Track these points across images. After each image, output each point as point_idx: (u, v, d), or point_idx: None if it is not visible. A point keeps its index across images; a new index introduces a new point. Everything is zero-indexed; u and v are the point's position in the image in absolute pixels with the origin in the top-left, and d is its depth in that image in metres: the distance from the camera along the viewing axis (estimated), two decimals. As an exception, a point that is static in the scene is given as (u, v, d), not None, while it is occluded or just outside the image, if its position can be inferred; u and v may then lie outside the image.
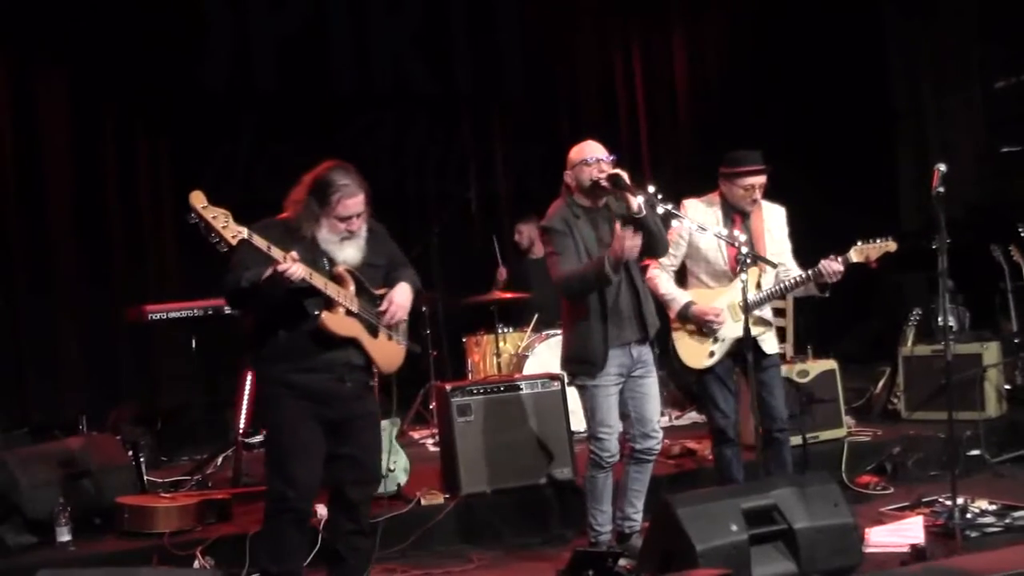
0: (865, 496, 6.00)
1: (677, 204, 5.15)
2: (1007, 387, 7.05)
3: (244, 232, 4.05)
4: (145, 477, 6.07)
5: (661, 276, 5.31)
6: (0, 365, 7.59)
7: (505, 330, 7.67)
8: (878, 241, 5.20)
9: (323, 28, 8.75)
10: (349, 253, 4.43)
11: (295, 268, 4.11)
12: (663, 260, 5.30)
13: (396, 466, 5.85)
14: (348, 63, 8.82)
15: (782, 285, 5.26)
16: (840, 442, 6.41)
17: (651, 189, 4.88)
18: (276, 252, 4.13)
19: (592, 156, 4.91)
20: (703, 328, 5.23)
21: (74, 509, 5.35)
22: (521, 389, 5.97)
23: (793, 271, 5.31)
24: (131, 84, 7.97)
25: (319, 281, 4.27)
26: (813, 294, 5.28)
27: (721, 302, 5.24)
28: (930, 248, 5.29)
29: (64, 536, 5.27)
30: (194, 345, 7.20)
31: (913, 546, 4.77)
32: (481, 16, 9.30)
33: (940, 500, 5.53)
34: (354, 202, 4.38)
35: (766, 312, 5.33)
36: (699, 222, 5.13)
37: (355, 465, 4.51)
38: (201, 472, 6.31)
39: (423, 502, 5.65)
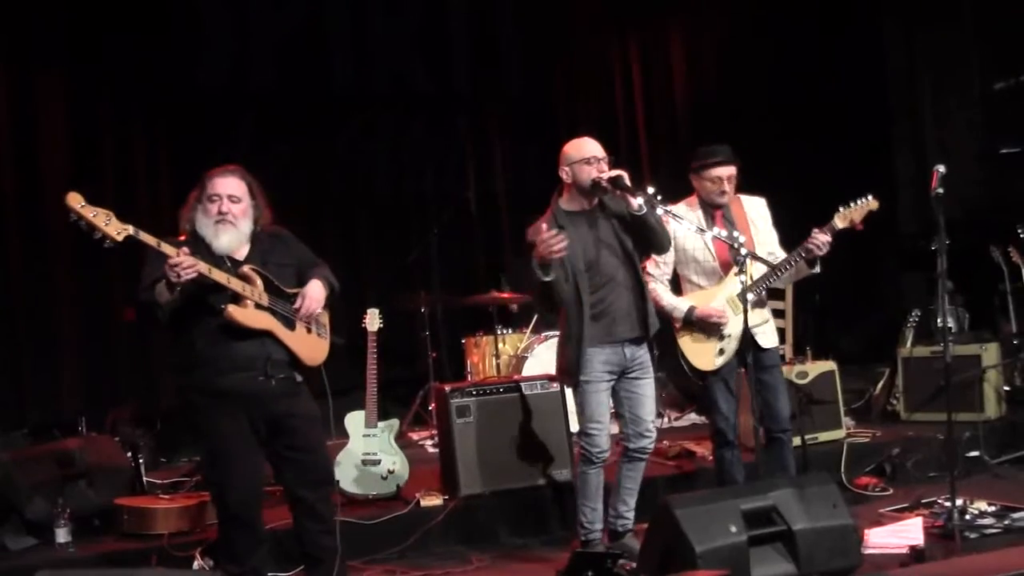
0: (864, 497, 6.00)
1: (675, 205, 5.16)
2: (1006, 388, 7.05)
3: (130, 229, 4.07)
4: (144, 478, 6.06)
5: (658, 287, 5.31)
6: (-2, 365, 7.59)
7: (504, 331, 7.66)
8: (859, 202, 5.22)
9: (322, 28, 8.75)
10: (224, 240, 4.42)
11: (187, 260, 4.11)
12: (654, 272, 5.31)
13: (395, 467, 5.84)
14: (347, 63, 8.81)
15: (774, 269, 5.22)
16: (839, 443, 6.40)
17: (650, 190, 4.88)
18: (167, 248, 4.14)
19: (592, 155, 4.90)
20: (709, 329, 5.23)
21: (73, 510, 5.36)
22: (520, 390, 5.97)
23: (780, 255, 5.30)
24: (129, 84, 7.96)
25: (220, 276, 4.27)
26: (805, 274, 5.27)
27: (719, 300, 5.24)
28: (929, 249, 5.30)
29: (63, 537, 5.27)
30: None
31: (912, 547, 4.77)
32: (480, 16, 9.30)
33: (939, 501, 5.52)
34: (223, 181, 4.45)
35: (762, 307, 5.31)
36: (696, 224, 5.14)
37: (299, 466, 4.50)
38: (200, 473, 6.30)
39: (422, 503, 5.65)
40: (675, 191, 5.39)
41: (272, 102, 8.48)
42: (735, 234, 5.08)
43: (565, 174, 4.97)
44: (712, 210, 5.32)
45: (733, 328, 5.21)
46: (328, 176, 8.82)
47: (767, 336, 5.32)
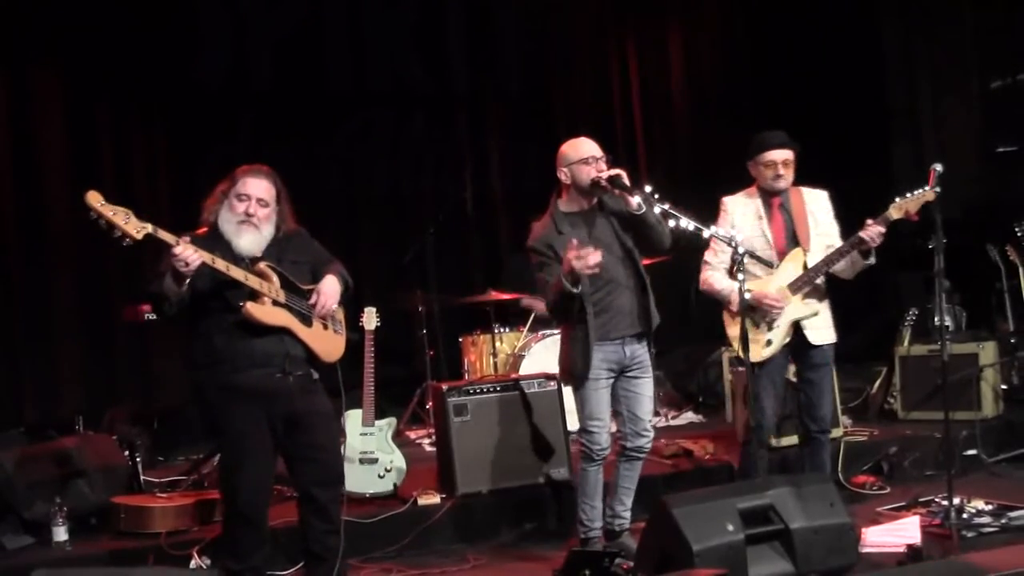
0: (861, 496, 6.00)
1: (673, 204, 5.13)
2: (1003, 387, 7.05)
3: (149, 227, 4.05)
4: (141, 477, 6.06)
5: (715, 274, 5.33)
6: (-4, 364, 7.58)
7: (501, 330, 7.66)
8: (916, 192, 5.15)
9: (320, 27, 8.74)
10: (245, 241, 4.42)
11: (189, 249, 4.09)
12: (712, 260, 5.34)
13: (392, 465, 5.85)
14: (345, 62, 8.81)
15: (825, 260, 5.22)
16: (836, 442, 6.37)
17: (647, 189, 4.87)
18: (166, 236, 4.11)
19: (590, 155, 4.89)
20: (761, 316, 5.21)
21: (70, 509, 5.36)
22: (517, 389, 5.97)
23: (836, 244, 5.28)
24: (127, 83, 7.96)
25: (238, 273, 4.27)
26: (861, 266, 5.23)
27: (771, 288, 5.21)
28: (927, 248, 5.29)
29: (60, 536, 5.27)
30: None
31: (909, 546, 4.77)
32: (478, 15, 9.30)
33: (936, 500, 5.53)
34: (255, 183, 4.45)
35: (816, 299, 5.28)
36: (696, 222, 5.10)
37: (315, 465, 4.50)
38: (197, 472, 6.29)
39: (419, 502, 5.65)
40: (672, 191, 5.36)
41: (270, 101, 8.48)
42: (730, 231, 5.06)
43: (564, 175, 4.95)
44: (770, 198, 5.32)
45: (783, 318, 5.19)
46: (326, 175, 8.81)
47: (818, 332, 5.28)
